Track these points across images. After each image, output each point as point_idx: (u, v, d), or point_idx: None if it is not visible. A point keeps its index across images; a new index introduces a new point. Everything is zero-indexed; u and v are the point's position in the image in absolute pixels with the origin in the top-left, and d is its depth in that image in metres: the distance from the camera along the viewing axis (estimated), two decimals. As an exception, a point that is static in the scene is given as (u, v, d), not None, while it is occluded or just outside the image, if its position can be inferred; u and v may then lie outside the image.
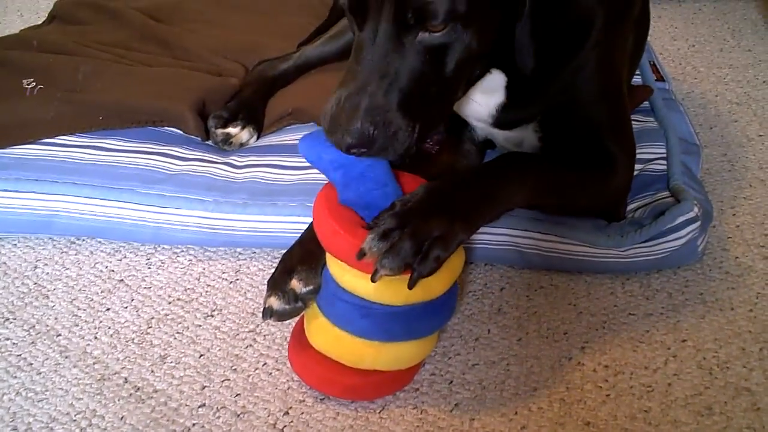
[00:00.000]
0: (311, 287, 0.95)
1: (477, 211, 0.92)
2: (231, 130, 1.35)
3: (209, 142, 1.37)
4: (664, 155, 1.29)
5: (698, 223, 1.12)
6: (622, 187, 1.15)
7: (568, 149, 1.11)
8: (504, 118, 1.12)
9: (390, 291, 0.87)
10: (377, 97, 0.86)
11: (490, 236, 1.15)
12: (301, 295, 0.96)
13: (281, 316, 0.97)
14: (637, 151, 1.18)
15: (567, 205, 1.13)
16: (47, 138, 1.31)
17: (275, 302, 0.96)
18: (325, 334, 0.93)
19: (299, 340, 0.98)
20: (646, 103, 1.44)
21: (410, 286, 0.84)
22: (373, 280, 0.84)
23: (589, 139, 1.11)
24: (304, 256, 0.98)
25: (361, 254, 0.83)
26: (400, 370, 0.95)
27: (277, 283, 0.98)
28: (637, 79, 1.53)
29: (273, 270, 1.18)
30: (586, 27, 1.03)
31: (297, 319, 1.01)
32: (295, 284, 0.96)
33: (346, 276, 0.89)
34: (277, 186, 1.23)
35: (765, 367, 1.02)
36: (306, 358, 0.96)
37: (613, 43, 1.11)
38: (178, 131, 1.36)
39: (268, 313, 0.97)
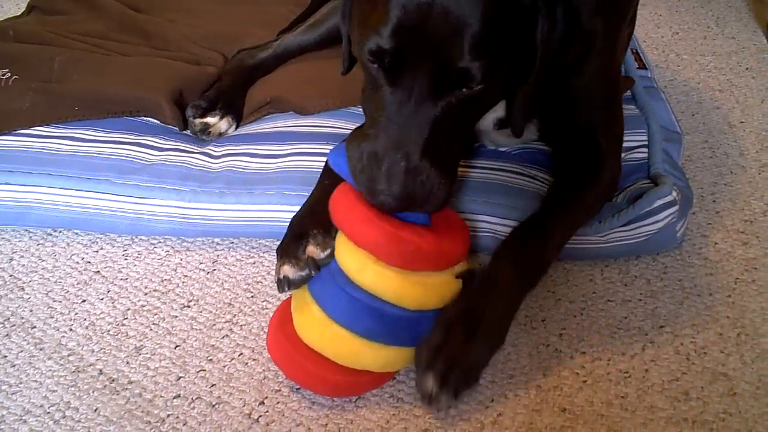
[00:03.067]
0: (329, 251, 0.94)
1: (513, 313, 0.96)
2: (209, 119, 1.34)
3: (187, 132, 1.35)
4: (646, 143, 1.29)
5: (676, 207, 1.11)
6: (614, 180, 1.16)
7: (563, 141, 1.14)
8: (504, 123, 1.14)
9: (410, 293, 0.88)
10: (415, 155, 0.88)
11: (469, 223, 1.14)
12: (320, 260, 0.95)
13: (297, 284, 0.95)
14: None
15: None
16: (22, 129, 1.29)
17: (290, 270, 0.94)
18: (320, 331, 0.89)
19: (283, 330, 0.93)
20: (627, 92, 1.44)
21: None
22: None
23: (584, 133, 1.13)
24: (316, 220, 0.97)
25: (428, 400, 0.86)
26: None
27: (289, 251, 0.96)
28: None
29: (250, 260, 1.18)
30: (589, 42, 1.05)
31: (276, 307, 1.00)
32: (312, 250, 0.95)
33: (367, 270, 0.87)
34: (253, 175, 1.22)
35: (742, 352, 1.02)
36: (293, 352, 0.91)
37: (613, 46, 1.14)
38: (155, 121, 1.35)
39: (285, 283, 0.95)
